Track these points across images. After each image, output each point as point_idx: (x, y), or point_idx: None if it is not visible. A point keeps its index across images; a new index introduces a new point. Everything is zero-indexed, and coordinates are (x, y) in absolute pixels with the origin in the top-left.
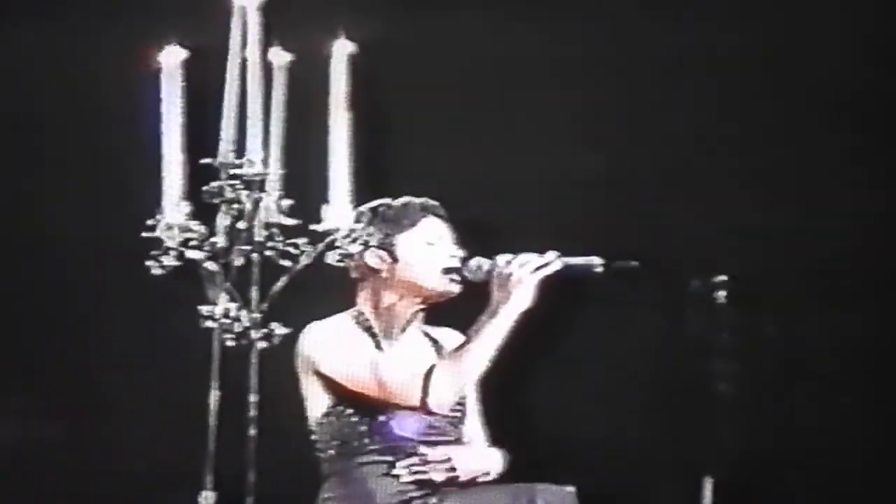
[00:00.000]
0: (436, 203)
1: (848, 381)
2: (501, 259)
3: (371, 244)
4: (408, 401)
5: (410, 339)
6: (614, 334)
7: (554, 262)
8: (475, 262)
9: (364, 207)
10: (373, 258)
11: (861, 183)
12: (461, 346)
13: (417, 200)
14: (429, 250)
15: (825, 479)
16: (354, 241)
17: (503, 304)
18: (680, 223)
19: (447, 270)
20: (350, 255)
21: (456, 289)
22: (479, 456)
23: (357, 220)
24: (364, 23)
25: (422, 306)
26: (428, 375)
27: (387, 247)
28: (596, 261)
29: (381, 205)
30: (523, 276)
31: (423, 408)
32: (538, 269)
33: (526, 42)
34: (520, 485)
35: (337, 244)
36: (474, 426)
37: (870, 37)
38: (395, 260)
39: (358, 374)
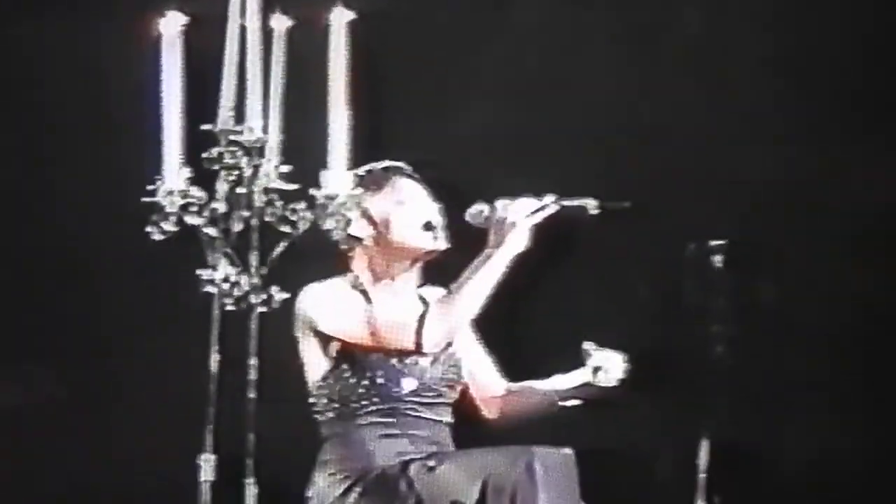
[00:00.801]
0: (400, 164)
1: (843, 344)
2: (500, 203)
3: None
4: (402, 344)
5: (404, 299)
6: (613, 297)
7: (550, 204)
8: (476, 207)
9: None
10: (353, 227)
11: (861, 150)
12: (454, 289)
13: (381, 165)
14: (401, 209)
15: (819, 441)
16: (335, 214)
17: (497, 246)
18: (677, 187)
19: (427, 226)
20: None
21: (441, 245)
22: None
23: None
24: None
25: (413, 267)
26: (421, 318)
27: (363, 213)
28: (591, 202)
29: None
30: (518, 218)
31: (418, 349)
32: (534, 212)
33: (514, 11)
34: (517, 447)
35: (336, 212)
36: (486, 366)
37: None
38: (374, 225)
39: (353, 327)
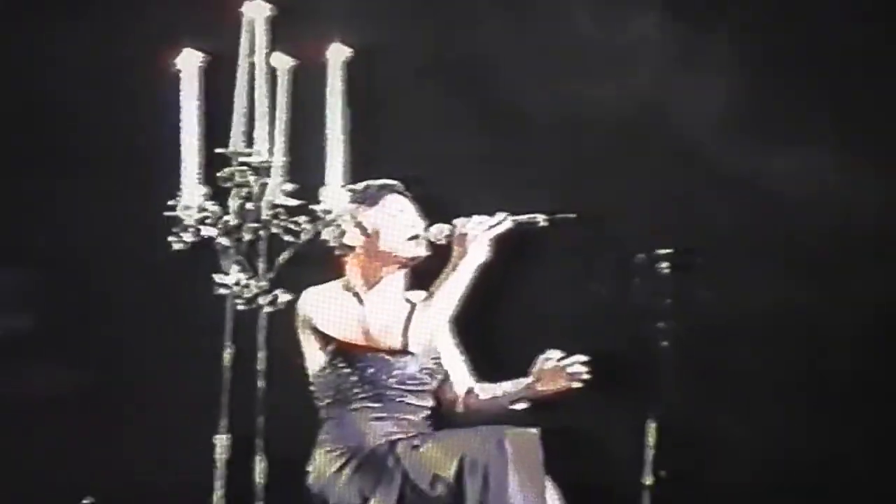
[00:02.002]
0: (394, 182)
1: (772, 336)
2: (458, 221)
3: (339, 224)
4: (390, 345)
5: (392, 301)
6: (574, 301)
7: (503, 220)
8: (436, 227)
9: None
10: (348, 237)
11: (787, 169)
12: (430, 296)
13: (377, 182)
14: (392, 221)
15: (753, 419)
16: (332, 224)
17: (462, 258)
18: (627, 204)
19: (412, 237)
20: (334, 237)
21: (423, 252)
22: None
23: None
24: (356, 31)
25: (400, 272)
26: (406, 322)
27: (357, 225)
28: (539, 217)
29: (348, 192)
30: (477, 233)
31: (404, 349)
32: (490, 227)
33: (491, 43)
34: (490, 428)
35: (333, 223)
36: (458, 366)
37: None
38: (366, 235)
39: (346, 328)
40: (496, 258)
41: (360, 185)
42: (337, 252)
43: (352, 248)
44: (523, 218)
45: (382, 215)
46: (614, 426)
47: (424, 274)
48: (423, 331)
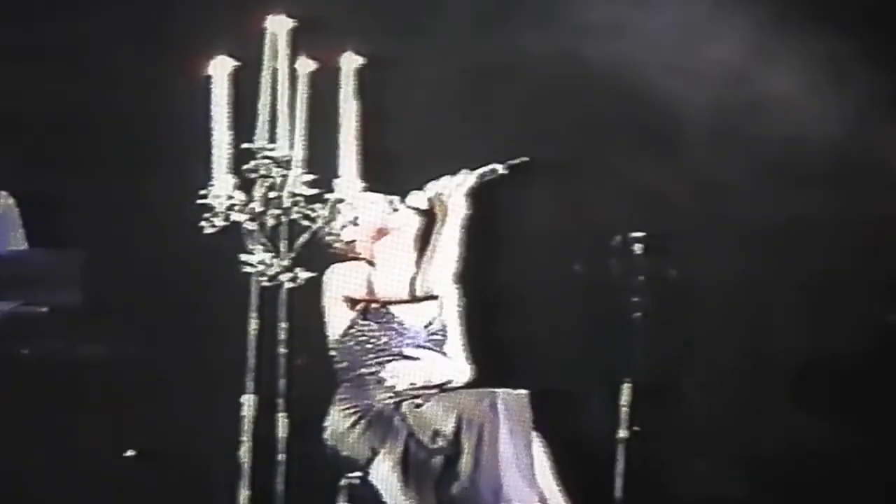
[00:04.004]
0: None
1: (728, 308)
2: (429, 186)
3: (338, 228)
4: (401, 296)
5: (398, 263)
6: (559, 277)
7: (467, 176)
8: (411, 196)
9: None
10: (345, 234)
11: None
12: (429, 252)
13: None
14: (370, 206)
15: (714, 380)
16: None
17: (445, 215)
18: (606, 192)
19: (392, 209)
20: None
21: (413, 220)
22: (442, 367)
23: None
24: (367, 40)
25: (403, 240)
26: (412, 277)
27: (345, 224)
28: (498, 166)
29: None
30: (450, 191)
31: (412, 297)
32: (459, 184)
33: (487, 56)
34: (484, 389)
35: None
36: (457, 346)
37: None
38: (355, 224)
39: (365, 289)
40: (491, 237)
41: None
42: (350, 255)
43: (353, 242)
44: (484, 169)
45: (361, 206)
46: (593, 387)
47: None
48: (427, 278)
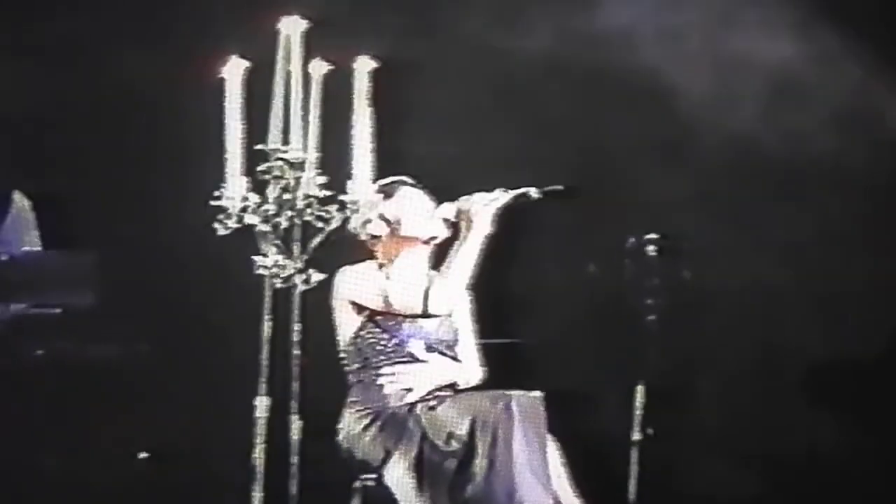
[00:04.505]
0: (405, 177)
1: (742, 311)
2: (462, 199)
3: (369, 219)
4: (413, 311)
5: (414, 275)
6: (574, 279)
7: (500, 196)
8: (443, 206)
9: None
10: (373, 227)
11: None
12: (445, 267)
13: (392, 179)
14: (409, 208)
15: (728, 383)
16: (364, 221)
17: (469, 231)
18: (620, 195)
19: (427, 219)
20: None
21: (441, 231)
22: (452, 370)
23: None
24: (381, 42)
25: (422, 250)
26: (426, 291)
27: (380, 216)
28: (532, 190)
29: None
30: (479, 208)
31: (425, 314)
32: (490, 202)
33: (502, 57)
34: (498, 391)
35: (357, 211)
36: (469, 348)
37: None
38: (388, 223)
39: (376, 299)
40: (506, 239)
41: (378, 183)
42: (364, 241)
43: (378, 237)
44: (518, 192)
45: (400, 204)
46: (607, 389)
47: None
48: (441, 297)
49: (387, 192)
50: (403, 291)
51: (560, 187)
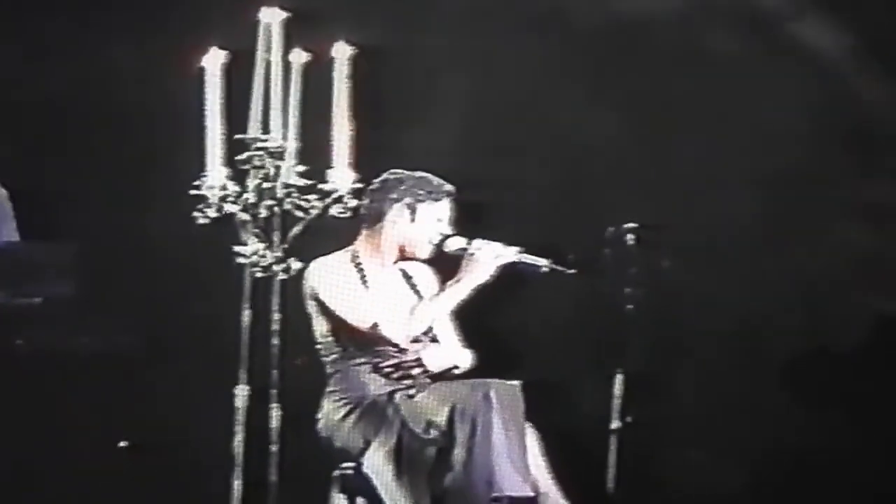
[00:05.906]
0: (454, 188)
1: (718, 299)
2: (476, 242)
3: (398, 201)
4: (392, 338)
5: (391, 276)
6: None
7: (512, 255)
8: (453, 240)
9: (400, 172)
10: (398, 212)
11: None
12: (431, 299)
13: (444, 182)
14: (434, 224)
15: (705, 371)
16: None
17: (466, 275)
18: (599, 187)
19: (434, 243)
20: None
21: (431, 255)
22: (447, 354)
23: (387, 182)
24: (361, 31)
25: (407, 263)
26: (407, 315)
27: (411, 207)
28: (543, 262)
29: (416, 174)
30: (486, 259)
31: (405, 342)
32: (498, 256)
33: (480, 46)
34: (477, 380)
35: (342, 200)
36: (449, 335)
37: None
38: (413, 220)
39: (349, 309)
40: (484, 231)
41: (431, 177)
42: (365, 218)
43: (387, 222)
44: (529, 259)
45: (433, 215)
46: (586, 378)
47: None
48: (415, 327)
49: (434, 193)
50: (383, 313)
51: (572, 271)
